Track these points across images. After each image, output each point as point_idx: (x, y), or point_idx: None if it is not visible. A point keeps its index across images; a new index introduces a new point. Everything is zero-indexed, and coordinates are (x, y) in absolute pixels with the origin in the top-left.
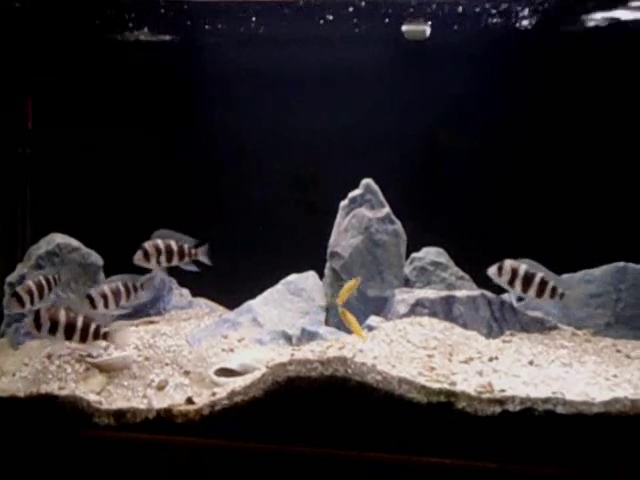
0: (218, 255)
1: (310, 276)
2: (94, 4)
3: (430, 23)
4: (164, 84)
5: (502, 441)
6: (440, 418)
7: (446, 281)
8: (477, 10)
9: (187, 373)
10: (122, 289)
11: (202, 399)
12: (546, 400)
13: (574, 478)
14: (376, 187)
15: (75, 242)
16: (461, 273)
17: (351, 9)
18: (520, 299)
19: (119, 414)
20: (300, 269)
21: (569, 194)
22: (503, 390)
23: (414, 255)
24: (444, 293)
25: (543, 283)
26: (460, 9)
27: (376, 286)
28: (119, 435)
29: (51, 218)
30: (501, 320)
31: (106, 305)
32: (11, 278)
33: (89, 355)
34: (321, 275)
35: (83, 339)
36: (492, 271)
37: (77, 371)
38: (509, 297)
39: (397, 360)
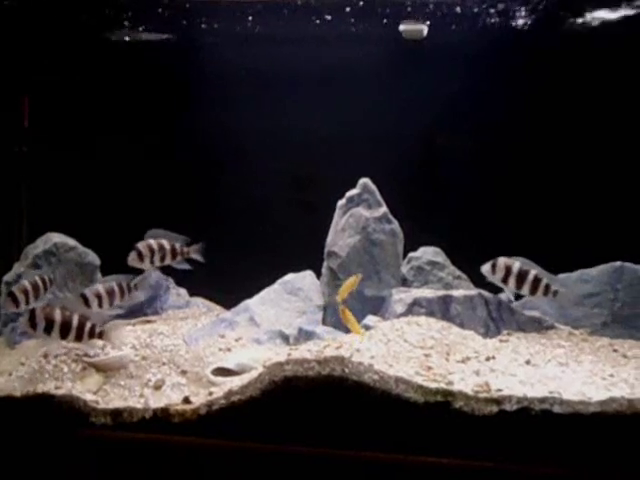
0: (215, 255)
1: (307, 275)
2: (90, 3)
3: (428, 23)
4: (161, 83)
5: (499, 440)
6: (437, 418)
7: (443, 281)
8: (474, 10)
9: (184, 372)
10: (116, 289)
11: (199, 399)
12: (543, 400)
13: (571, 478)
14: (373, 186)
15: (72, 241)
16: (458, 272)
17: (348, 9)
18: (516, 298)
19: (116, 413)
20: (297, 268)
21: (566, 194)
22: (500, 390)
23: (411, 254)
24: (441, 293)
25: (537, 280)
26: (458, 9)
27: (373, 285)
28: (116, 435)
29: (48, 217)
30: (498, 320)
31: (100, 305)
32: (8, 277)
33: (86, 354)
34: (318, 274)
35: (79, 338)
36: (486, 268)
37: (74, 370)
38: (506, 297)
39: (394, 360)
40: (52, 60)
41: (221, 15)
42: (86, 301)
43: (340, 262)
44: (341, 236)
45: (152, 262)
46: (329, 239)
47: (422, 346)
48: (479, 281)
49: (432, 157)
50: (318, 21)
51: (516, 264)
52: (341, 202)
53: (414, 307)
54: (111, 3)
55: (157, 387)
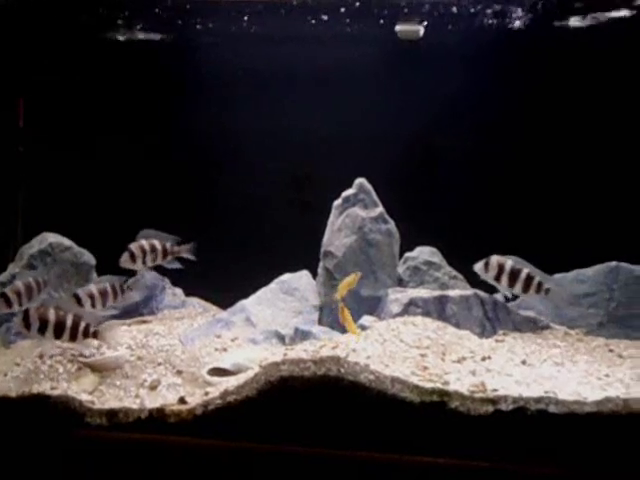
0: (212, 255)
1: (303, 275)
2: (86, 3)
3: (425, 23)
4: (157, 83)
5: (495, 440)
6: (433, 417)
7: (439, 281)
8: (470, 10)
9: (180, 373)
10: (109, 290)
11: (195, 399)
12: (538, 399)
13: (566, 478)
14: (369, 187)
15: (67, 241)
16: (454, 273)
17: (343, 9)
18: (508, 299)
19: (111, 414)
20: (293, 268)
21: (562, 194)
22: (496, 389)
23: (407, 254)
24: (437, 293)
25: (529, 279)
26: (454, 9)
27: (369, 285)
28: (111, 435)
29: (43, 217)
30: (494, 319)
31: (93, 305)
32: (2, 278)
33: (81, 355)
34: (314, 274)
35: (73, 338)
36: (478, 267)
37: (69, 371)
38: (501, 296)
39: (390, 359)
40: (47, 60)
41: (217, 15)
42: (79, 301)
43: (336, 262)
44: (337, 236)
45: (144, 263)
46: (325, 239)
47: (418, 346)
48: (475, 281)
49: (428, 157)
50: (314, 21)
51: (509, 262)
52: (337, 202)
53: (410, 307)
54: (107, 3)
55: (153, 387)
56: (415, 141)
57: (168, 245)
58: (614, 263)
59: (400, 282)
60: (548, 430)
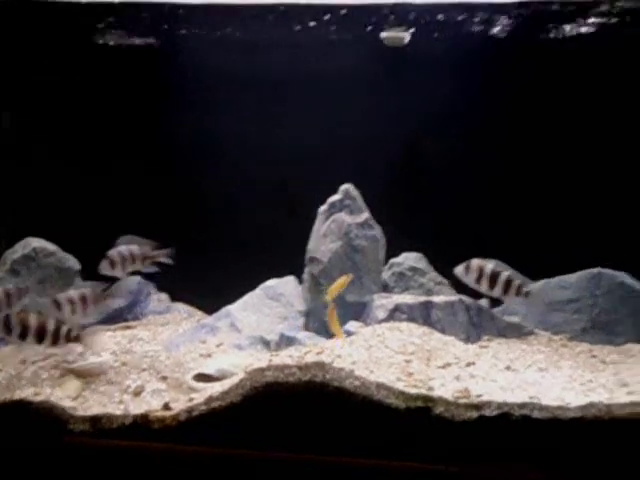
0: (197, 260)
1: (289, 281)
2: (71, 8)
3: (412, 31)
4: (142, 88)
5: (479, 446)
6: (418, 423)
7: (425, 286)
8: (456, 18)
9: (164, 378)
10: (89, 296)
11: (179, 405)
12: (522, 405)
13: None
14: (355, 192)
15: (51, 246)
16: (439, 278)
17: (328, 16)
18: (494, 304)
19: (95, 420)
20: (279, 274)
21: (547, 200)
22: (480, 395)
23: (393, 260)
24: (422, 298)
25: (508, 281)
26: (440, 17)
27: (355, 291)
28: (95, 441)
29: (27, 221)
30: (479, 325)
31: (73, 311)
32: None
33: (65, 360)
34: (300, 280)
35: (55, 342)
36: (459, 270)
37: (52, 377)
38: (486, 303)
39: (375, 365)
40: (28, 64)
41: (202, 21)
42: (59, 306)
43: (322, 268)
44: (323, 242)
45: (124, 269)
46: (311, 245)
47: (403, 352)
48: (460, 287)
49: (415, 163)
50: (299, 27)
51: (489, 265)
52: (323, 208)
53: (395, 313)
54: (93, 7)
55: (137, 393)
56: (402, 147)
57: (146, 250)
58: (597, 269)
59: (385, 288)
60: (532, 435)
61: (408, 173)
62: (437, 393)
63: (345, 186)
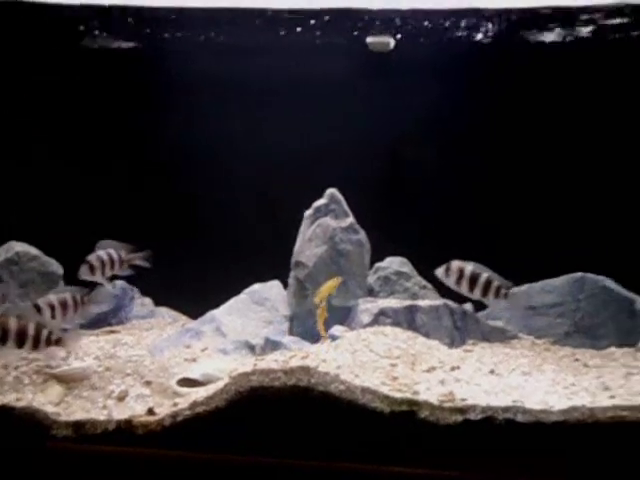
0: (182, 264)
1: (274, 286)
2: (52, 11)
3: (399, 36)
4: (124, 92)
5: (464, 449)
6: (403, 427)
7: (409, 291)
8: (441, 23)
9: (148, 383)
10: (70, 301)
11: (163, 410)
12: (506, 409)
13: None
14: (340, 197)
15: (34, 250)
16: (424, 283)
17: (313, 21)
18: (477, 309)
19: (78, 425)
20: (264, 278)
21: (530, 205)
22: (464, 399)
23: (378, 265)
24: (407, 303)
25: (488, 283)
26: (425, 23)
27: (340, 295)
28: (78, 447)
29: (9, 225)
30: (463, 329)
31: (53, 315)
32: None
33: (48, 366)
34: (285, 284)
35: (35, 346)
36: (440, 271)
37: (35, 382)
38: (470, 307)
39: (360, 370)
40: (11, 67)
41: (186, 25)
42: (39, 310)
43: (307, 272)
44: (308, 246)
45: (104, 274)
46: (296, 249)
47: (388, 356)
48: (445, 291)
49: (400, 168)
50: (284, 32)
51: (468, 267)
52: (308, 212)
53: (380, 317)
54: (75, 10)
55: (121, 398)
56: (386, 152)
57: (125, 254)
58: (579, 274)
59: (370, 292)
60: (516, 439)
61: (393, 178)
62: (422, 397)
63: (330, 190)
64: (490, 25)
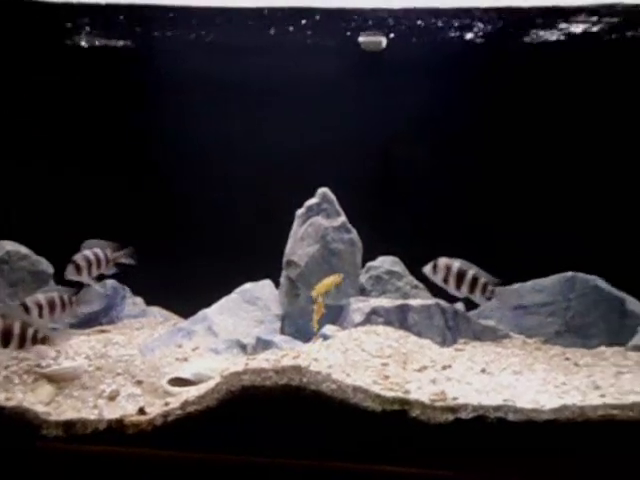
0: (173, 263)
1: (266, 285)
2: (42, 9)
3: (392, 36)
4: (115, 90)
5: (455, 448)
6: (394, 426)
7: (401, 290)
8: (434, 22)
9: (139, 383)
10: (57, 300)
11: (155, 409)
12: (498, 408)
13: None
14: (332, 196)
15: (24, 249)
16: (416, 282)
17: (304, 21)
18: (468, 308)
19: (68, 425)
20: (256, 278)
21: (523, 205)
22: (456, 398)
23: (370, 264)
24: (399, 302)
25: (475, 279)
26: (418, 22)
27: (332, 295)
28: (69, 447)
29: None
30: (455, 329)
31: (41, 315)
32: None
33: (38, 365)
34: (277, 284)
35: (21, 345)
36: (427, 269)
37: (25, 382)
38: (462, 306)
39: (352, 369)
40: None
41: (178, 23)
42: (27, 310)
43: (299, 271)
44: (300, 245)
45: (90, 273)
46: (288, 248)
47: (380, 355)
48: (437, 290)
49: (392, 167)
50: (276, 32)
51: (455, 264)
52: (300, 211)
53: (372, 316)
54: (66, 8)
55: (111, 398)
56: (378, 151)
57: (110, 253)
58: (570, 273)
59: (362, 291)
60: (507, 438)
61: (385, 177)
62: (413, 396)
63: (322, 190)
64: (482, 25)
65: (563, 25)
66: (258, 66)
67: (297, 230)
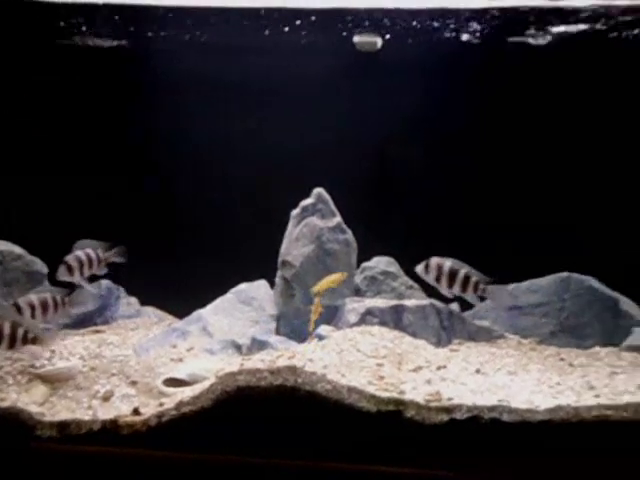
0: (168, 263)
1: (261, 285)
2: (37, 8)
3: (388, 36)
4: (109, 90)
5: (450, 449)
6: (389, 426)
7: (396, 290)
8: (429, 23)
9: (134, 383)
10: (50, 301)
11: (149, 410)
12: (492, 408)
13: None
14: (327, 196)
15: (18, 249)
16: (411, 282)
17: (298, 22)
18: (463, 308)
19: (63, 426)
20: (251, 278)
21: (518, 205)
22: (451, 398)
23: (365, 264)
24: (394, 302)
25: (466, 278)
26: (413, 23)
27: (327, 295)
28: (63, 447)
29: None
30: (449, 329)
31: (33, 315)
32: None
33: (32, 366)
34: (272, 284)
35: (11, 345)
36: (419, 269)
37: (19, 382)
38: (456, 307)
39: (347, 369)
40: None
41: (174, 23)
42: (19, 310)
43: (294, 272)
44: (295, 246)
45: (82, 274)
46: (283, 249)
47: (375, 355)
48: (432, 291)
49: (387, 168)
50: (269, 32)
51: (447, 263)
52: (295, 212)
53: (367, 317)
54: (60, 8)
55: (106, 398)
56: (373, 151)
57: (101, 253)
58: (565, 274)
59: (357, 292)
60: (502, 438)
61: (380, 178)
62: (408, 396)
63: (317, 190)
64: (477, 25)
65: (558, 26)
66: (252, 67)
67: (292, 230)
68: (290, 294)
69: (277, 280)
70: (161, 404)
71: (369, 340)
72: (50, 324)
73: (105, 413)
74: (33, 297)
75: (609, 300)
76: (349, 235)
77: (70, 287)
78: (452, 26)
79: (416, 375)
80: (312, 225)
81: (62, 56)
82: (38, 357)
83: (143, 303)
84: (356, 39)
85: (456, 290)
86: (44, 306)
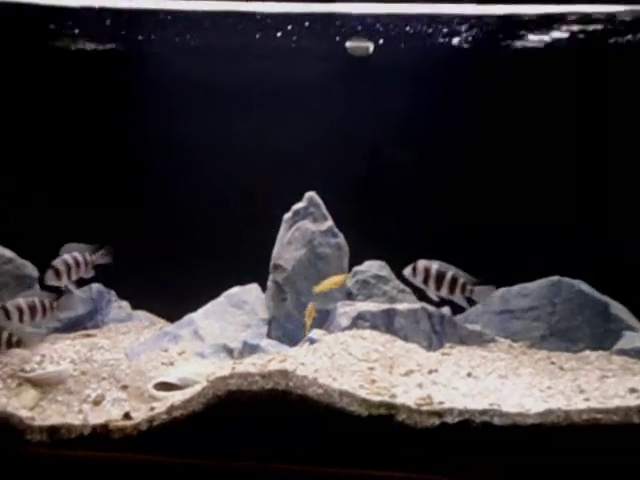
0: (160, 267)
1: (253, 289)
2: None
3: (381, 41)
4: (99, 93)
5: (441, 453)
6: (381, 430)
7: (388, 294)
8: (421, 28)
9: (125, 387)
10: (38, 305)
11: (140, 414)
12: (483, 412)
13: None
14: (319, 200)
15: (9, 252)
16: (402, 286)
17: (290, 27)
18: (454, 312)
19: (53, 430)
20: (242, 282)
21: (510, 209)
22: (442, 402)
23: (356, 268)
24: (385, 306)
25: (454, 280)
26: (407, 28)
27: (319, 299)
28: (53, 452)
29: None
30: (441, 333)
31: (21, 319)
32: None
33: (22, 370)
34: (264, 288)
35: None
36: (407, 272)
37: (9, 386)
38: (448, 310)
39: (338, 373)
40: None
41: (165, 27)
42: (7, 313)
43: (286, 275)
44: (287, 249)
45: (70, 277)
46: (275, 252)
47: (366, 359)
48: (423, 295)
49: (378, 171)
50: (260, 35)
51: (434, 265)
52: (287, 215)
53: (358, 321)
54: (51, 11)
55: (97, 402)
56: (365, 155)
57: (89, 256)
58: (556, 277)
59: (349, 296)
60: (493, 442)
61: (372, 181)
62: (400, 400)
63: (309, 194)
64: (469, 30)
65: (550, 31)
66: (244, 71)
67: (284, 234)
68: (282, 298)
69: (269, 284)
70: (152, 408)
71: (361, 344)
72: (39, 328)
73: (96, 417)
74: (21, 301)
75: (599, 304)
76: (341, 239)
77: (60, 291)
78: (444, 31)
79: (407, 379)
80: (304, 229)
81: (53, 60)
82: (28, 361)
83: (134, 307)
84: (348, 44)
85: (444, 292)
86: (32, 310)
